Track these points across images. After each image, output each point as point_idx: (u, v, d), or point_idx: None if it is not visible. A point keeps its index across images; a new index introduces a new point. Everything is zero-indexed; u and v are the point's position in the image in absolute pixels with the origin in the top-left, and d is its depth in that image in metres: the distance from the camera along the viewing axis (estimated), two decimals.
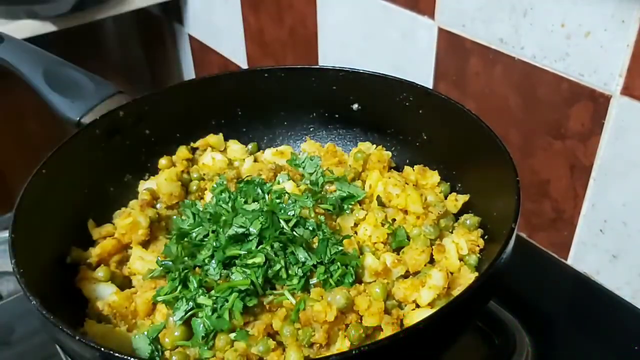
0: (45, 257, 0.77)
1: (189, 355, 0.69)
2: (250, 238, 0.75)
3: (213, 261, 0.75)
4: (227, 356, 0.68)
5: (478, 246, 0.80)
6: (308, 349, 0.69)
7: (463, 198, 0.87)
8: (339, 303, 0.69)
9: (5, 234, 0.71)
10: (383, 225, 0.82)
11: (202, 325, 0.70)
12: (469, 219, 0.83)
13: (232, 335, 0.69)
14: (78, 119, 0.97)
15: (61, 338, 0.62)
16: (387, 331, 0.70)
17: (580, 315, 0.98)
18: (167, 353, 0.70)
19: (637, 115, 0.88)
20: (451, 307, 0.61)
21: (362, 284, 0.75)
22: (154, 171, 0.98)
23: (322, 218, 0.81)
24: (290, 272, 0.73)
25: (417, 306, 0.74)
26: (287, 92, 1.01)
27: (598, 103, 0.92)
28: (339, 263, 0.75)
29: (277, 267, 0.73)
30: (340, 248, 0.76)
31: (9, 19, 1.56)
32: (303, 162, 0.94)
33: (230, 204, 0.85)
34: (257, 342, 0.68)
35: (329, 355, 0.56)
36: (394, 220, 0.84)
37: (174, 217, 0.89)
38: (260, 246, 0.74)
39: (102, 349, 0.58)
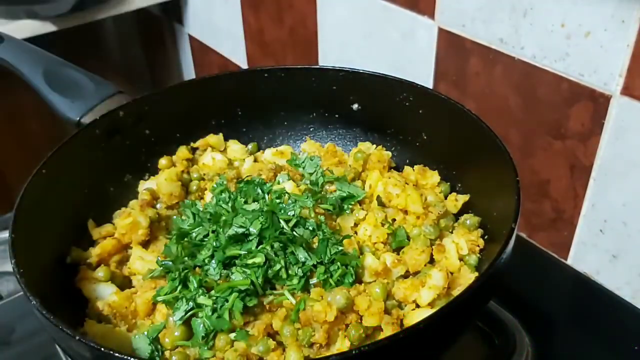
0: (45, 257, 0.77)
1: (189, 355, 0.69)
2: (250, 238, 0.75)
3: (213, 261, 0.75)
4: (227, 356, 0.68)
5: (478, 246, 0.80)
6: (308, 349, 0.69)
7: (463, 198, 0.87)
8: (339, 303, 0.69)
9: (5, 234, 0.71)
10: (383, 225, 0.82)
11: (202, 325, 0.70)
12: (469, 219, 0.83)
13: (232, 335, 0.69)
14: (78, 119, 0.97)
15: (61, 338, 0.62)
16: (387, 331, 0.70)
17: (580, 315, 0.98)
18: (167, 353, 0.70)
19: (637, 115, 0.88)
20: (451, 307, 0.61)
21: (362, 284, 0.75)
22: (154, 171, 0.98)
23: (322, 218, 0.81)
24: (290, 272, 0.73)
25: (417, 306, 0.74)
26: (287, 92, 1.01)
27: (598, 103, 0.92)
28: (339, 263, 0.75)
29: (277, 267, 0.73)
30: (340, 248, 0.76)
31: (9, 19, 1.56)
32: (303, 162, 0.94)
33: (230, 204, 0.85)
34: (257, 342, 0.68)
35: (329, 355, 0.56)
36: (394, 220, 0.84)
37: (174, 217, 0.89)
38: (260, 246, 0.74)
39: (102, 349, 0.58)
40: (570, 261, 1.07)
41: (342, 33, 1.36)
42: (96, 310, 0.75)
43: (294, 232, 0.77)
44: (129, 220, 0.83)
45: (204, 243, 0.78)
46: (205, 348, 0.69)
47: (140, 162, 0.98)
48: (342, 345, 0.69)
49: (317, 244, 0.77)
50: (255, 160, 1.01)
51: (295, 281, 0.73)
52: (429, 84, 1.19)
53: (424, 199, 0.85)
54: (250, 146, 1.04)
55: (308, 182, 0.91)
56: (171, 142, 1.00)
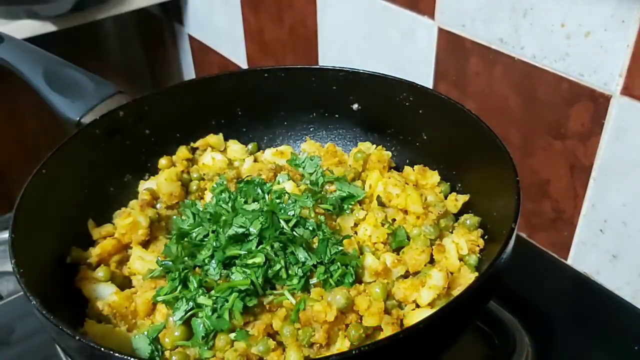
0: (45, 257, 0.77)
1: (189, 355, 0.69)
2: (250, 238, 0.75)
3: (213, 261, 0.75)
4: (227, 356, 0.68)
5: (478, 246, 0.80)
6: (308, 349, 0.69)
7: (463, 198, 0.87)
8: (339, 303, 0.69)
9: (5, 234, 0.71)
10: (383, 225, 0.82)
11: (202, 325, 0.70)
12: (469, 219, 0.83)
13: (232, 335, 0.69)
14: (78, 119, 0.97)
15: (61, 338, 0.62)
16: (387, 331, 0.70)
17: (580, 315, 0.98)
18: (167, 353, 0.70)
19: (637, 115, 0.88)
20: (451, 307, 0.61)
21: (362, 284, 0.75)
22: (154, 171, 0.98)
23: (322, 218, 0.81)
24: (290, 272, 0.73)
25: (417, 306, 0.74)
26: (287, 92, 1.01)
27: (598, 103, 0.92)
28: (339, 263, 0.75)
29: (277, 267, 0.73)
30: (340, 248, 0.76)
31: (9, 19, 1.56)
32: (303, 162, 0.94)
33: (230, 204, 0.85)
34: (257, 342, 0.68)
35: (329, 355, 0.56)
36: (394, 220, 0.84)
37: (174, 217, 0.89)
38: (260, 246, 0.74)
39: (102, 349, 0.58)
40: (570, 261, 1.07)
41: (342, 33, 1.36)
42: (96, 310, 0.75)
43: (294, 232, 0.77)
44: (129, 220, 0.83)
45: (204, 243, 0.78)
46: (205, 348, 0.69)
47: (140, 162, 0.98)
48: (342, 345, 0.69)
49: (317, 244, 0.77)
50: (255, 160, 1.01)
51: (295, 281, 0.73)
52: (429, 84, 1.19)
53: (424, 199, 0.85)
54: (250, 146, 1.04)
55: (308, 182, 0.91)
56: (171, 142, 1.00)
